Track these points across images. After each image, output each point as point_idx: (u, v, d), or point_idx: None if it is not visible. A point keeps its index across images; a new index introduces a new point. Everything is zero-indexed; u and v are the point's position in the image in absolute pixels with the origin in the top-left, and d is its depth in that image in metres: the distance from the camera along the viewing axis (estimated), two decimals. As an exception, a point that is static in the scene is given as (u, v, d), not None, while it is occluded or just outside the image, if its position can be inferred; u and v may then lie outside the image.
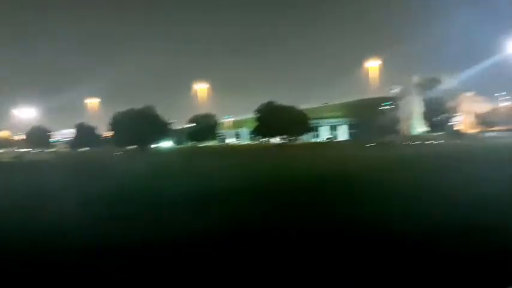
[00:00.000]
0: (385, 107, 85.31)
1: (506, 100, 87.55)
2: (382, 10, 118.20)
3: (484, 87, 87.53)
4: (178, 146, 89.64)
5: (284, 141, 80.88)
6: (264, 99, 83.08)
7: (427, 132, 78.70)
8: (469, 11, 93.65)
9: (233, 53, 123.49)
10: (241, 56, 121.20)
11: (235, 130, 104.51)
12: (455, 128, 78.00)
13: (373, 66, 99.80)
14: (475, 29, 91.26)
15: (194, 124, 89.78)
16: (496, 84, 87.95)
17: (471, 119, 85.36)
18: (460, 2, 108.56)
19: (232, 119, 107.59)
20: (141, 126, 73.49)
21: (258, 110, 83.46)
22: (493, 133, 76.60)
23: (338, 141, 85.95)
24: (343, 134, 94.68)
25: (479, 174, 17.09)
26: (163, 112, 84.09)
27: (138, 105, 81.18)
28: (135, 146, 77.47)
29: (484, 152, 34.84)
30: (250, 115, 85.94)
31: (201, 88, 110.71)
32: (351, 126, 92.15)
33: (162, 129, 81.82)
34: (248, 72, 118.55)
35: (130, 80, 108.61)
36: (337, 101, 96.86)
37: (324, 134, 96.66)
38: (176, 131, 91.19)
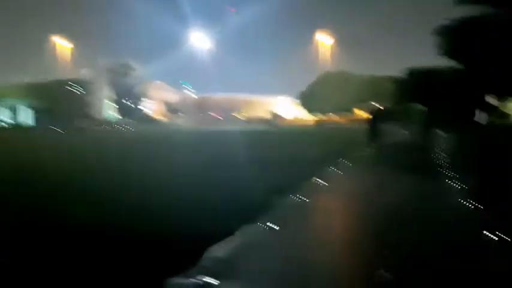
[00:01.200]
0: (76, 90, 79.15)
1: (192, 91, 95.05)
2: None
3: (174, 77, 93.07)
4: None
5: None
6: None
7: (119, 117, 77.21)
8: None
9: None
10: None
11: None
12: (146, 115, 79.22)
13: (62, 44, 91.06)
14: (165, 20, 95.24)
15: None
16: (184, 75, 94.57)
17: (161, 107, 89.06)
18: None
19: None
20: None
21: None
22: (180, 121, 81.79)
23: (18, 126, 74.76)
24: (26, 117, 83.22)
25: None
26: None
27: None
28: None
29: (166, 139, 34.86)
30: None
31: None
32: (35, 110, 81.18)
33: None
34: None
35: None
36: (19, 80, 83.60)
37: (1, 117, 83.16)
38: None
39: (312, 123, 70.77)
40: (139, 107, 78.56)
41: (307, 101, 78.24)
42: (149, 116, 78.90)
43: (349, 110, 75.14)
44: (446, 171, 11.10)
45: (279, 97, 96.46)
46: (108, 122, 70.54)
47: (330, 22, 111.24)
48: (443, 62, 39.12)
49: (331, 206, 7.77)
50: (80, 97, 76.93)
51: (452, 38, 31.77)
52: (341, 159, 13.93)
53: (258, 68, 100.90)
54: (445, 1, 29.13)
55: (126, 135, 45.07)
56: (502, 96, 41.23)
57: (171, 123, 75.53)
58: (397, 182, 10.03)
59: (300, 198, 7.64)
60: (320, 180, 9.71)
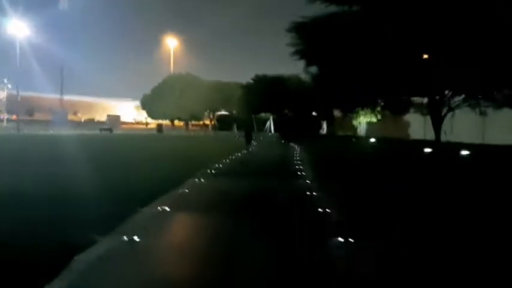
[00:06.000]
0: None
1: (9, 88, 78.06)
2: None
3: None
4: None
5: None
6: None
7: None
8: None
9: None
10: None
11: None
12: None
13: None
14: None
15: None
16: (7, 72, 79.56)
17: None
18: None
19: None
20: None
21: None
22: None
23: None
24: None
25: None
26: None
27: None
28: None
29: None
30: None
31: None
32: None
33: None
34: None
35: None
36: None
37: None
38: None
39: (154, 126, 66.52)
40: None
41: (150, 104, 72.85)
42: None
43: (193, 115, 72.12)
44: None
45: (120, 100, 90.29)
46: None
47: (177, 25, 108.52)
48: (290, 70, 38.33)
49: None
50: None
51: (303, 37, 29.16)
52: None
53: (100, 70, 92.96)
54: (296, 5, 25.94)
55: None
56: (346, 109, 40.94)
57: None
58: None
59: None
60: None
